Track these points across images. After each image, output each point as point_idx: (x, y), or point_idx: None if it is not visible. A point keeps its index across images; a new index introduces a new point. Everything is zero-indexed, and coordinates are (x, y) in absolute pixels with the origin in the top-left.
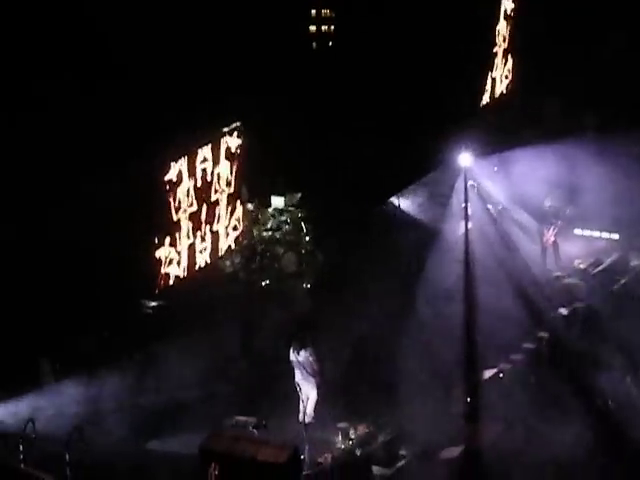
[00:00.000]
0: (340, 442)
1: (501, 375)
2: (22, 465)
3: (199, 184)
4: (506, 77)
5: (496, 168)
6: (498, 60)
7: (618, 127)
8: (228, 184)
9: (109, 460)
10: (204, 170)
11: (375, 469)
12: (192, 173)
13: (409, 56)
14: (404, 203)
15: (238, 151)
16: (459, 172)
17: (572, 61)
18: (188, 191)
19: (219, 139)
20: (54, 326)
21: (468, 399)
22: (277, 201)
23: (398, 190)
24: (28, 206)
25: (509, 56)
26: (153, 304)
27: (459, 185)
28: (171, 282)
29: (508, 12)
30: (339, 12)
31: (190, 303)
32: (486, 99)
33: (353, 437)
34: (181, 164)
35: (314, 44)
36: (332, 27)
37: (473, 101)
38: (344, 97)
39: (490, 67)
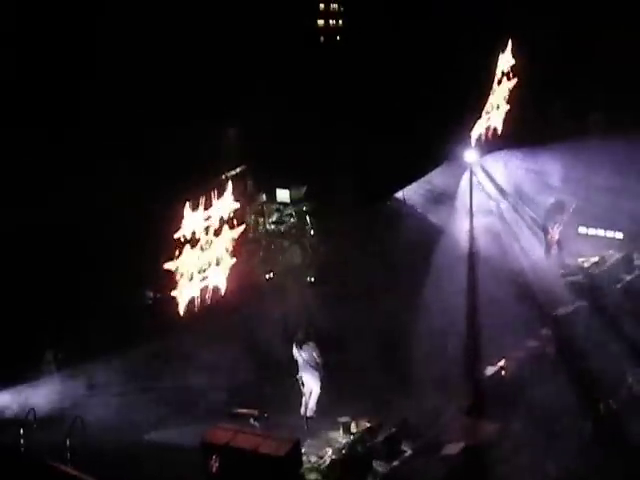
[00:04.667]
0: (341, 436)
1: (503, 372)
2: (22, 452)
3: (202, 224)
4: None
5: (502, 165)
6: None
7: (623, 127)
8: (229, 222)
9: (109, 450)
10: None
11: (376, 464)
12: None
13: (415, 52)
14: (409, 198)
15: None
16: (465, 168)
17: (578, 63)
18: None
19: (223, 184)
20: (57, 315)
21: (470, 396)
22: (282, 194)
23: (403, 185)
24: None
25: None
26: (155, 295)
27: (464, 181)
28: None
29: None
30: (347, 7)
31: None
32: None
33: (354, 432)
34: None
35: (322, 38)
36: (340, 21)
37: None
38: (350, 91)
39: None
